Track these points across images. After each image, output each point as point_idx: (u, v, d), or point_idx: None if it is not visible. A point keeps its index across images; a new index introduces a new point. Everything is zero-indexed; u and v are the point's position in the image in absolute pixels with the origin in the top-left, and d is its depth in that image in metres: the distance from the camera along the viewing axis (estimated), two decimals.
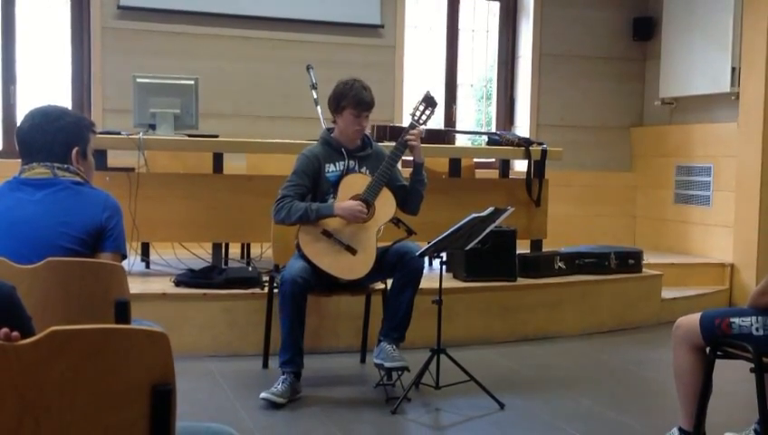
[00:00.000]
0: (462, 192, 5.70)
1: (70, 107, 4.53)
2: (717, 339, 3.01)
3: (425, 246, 4.09)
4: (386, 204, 4.10)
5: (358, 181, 4.09)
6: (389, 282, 4.17)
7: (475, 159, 6.67)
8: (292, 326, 3.91)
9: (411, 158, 4.21)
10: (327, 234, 4.01)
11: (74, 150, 2.64)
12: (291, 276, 3.88)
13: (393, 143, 4.25)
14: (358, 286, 4.20)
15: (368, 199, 4.04)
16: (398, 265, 4.02)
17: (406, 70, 7.27)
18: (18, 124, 2.67)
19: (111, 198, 2.68)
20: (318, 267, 3.98)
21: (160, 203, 5.10)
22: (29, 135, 2.63)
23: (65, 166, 2.63)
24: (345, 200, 4.03)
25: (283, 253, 4.30)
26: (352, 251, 4.02)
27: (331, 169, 4.13)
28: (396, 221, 4.17)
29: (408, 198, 4.20)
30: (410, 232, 4.16)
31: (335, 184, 4.10)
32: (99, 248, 2.60)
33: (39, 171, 2.61)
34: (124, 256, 2.68)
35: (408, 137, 4.11)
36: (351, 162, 4.16)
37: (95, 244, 2.59)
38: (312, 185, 4.11)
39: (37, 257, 2.42)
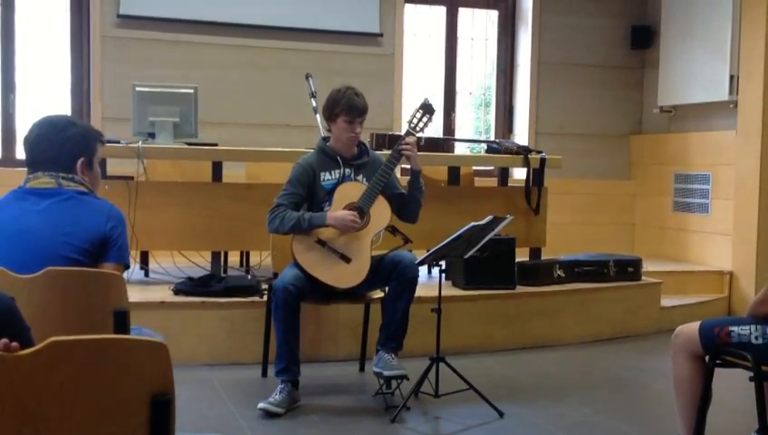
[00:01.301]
0: (461, 200, 5.70)
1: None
2: (716, 347, 3.01)
3: (423, 254, 4.08)
4: (381, 212, 4.08)
5: (353, 189, 4.08)
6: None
7: (474, 167, 6.68)
8: (286, 334, 3.90)
9: (409, 166, 4.21)
10: (321, 242, 4.00)
11: (80, 161, 2.65)
12: (282, 284, 3.88)
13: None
14: (355, 295, 4.19)
15: (362, 207, 4.02)
16: (392, 275, 4.01)
17: (405, 78, 7.29)
18: (25, 134, 2.68)
19: (116, 209, 2.69)
20: (312, 276, 3.97)
21: (159, 211, 5.10)
22: (36, 145, 2.64)
23: (70, 176, 2.63)
24: (340, 209, 4.02)
25: (283, 261, 4.28)
26: (346, 259, 4.01)
27: (327, 178, 4.12)
28: (392, 229, 4.16)
29: (406, 207, 4.18)
30: (407, 240, 4.15)
31: (331, 192, 4.09)
32: (102, 258, 2.60)
33: (44, 181, 2.62)
34: (127, 267, 2.68)
35: (403, 146, 4.09)
36: (347, 170, 4.15)
37: (99, 254, 2.60)
38: (307, 194, 4.10)
39: (41, 267, 2.42)
